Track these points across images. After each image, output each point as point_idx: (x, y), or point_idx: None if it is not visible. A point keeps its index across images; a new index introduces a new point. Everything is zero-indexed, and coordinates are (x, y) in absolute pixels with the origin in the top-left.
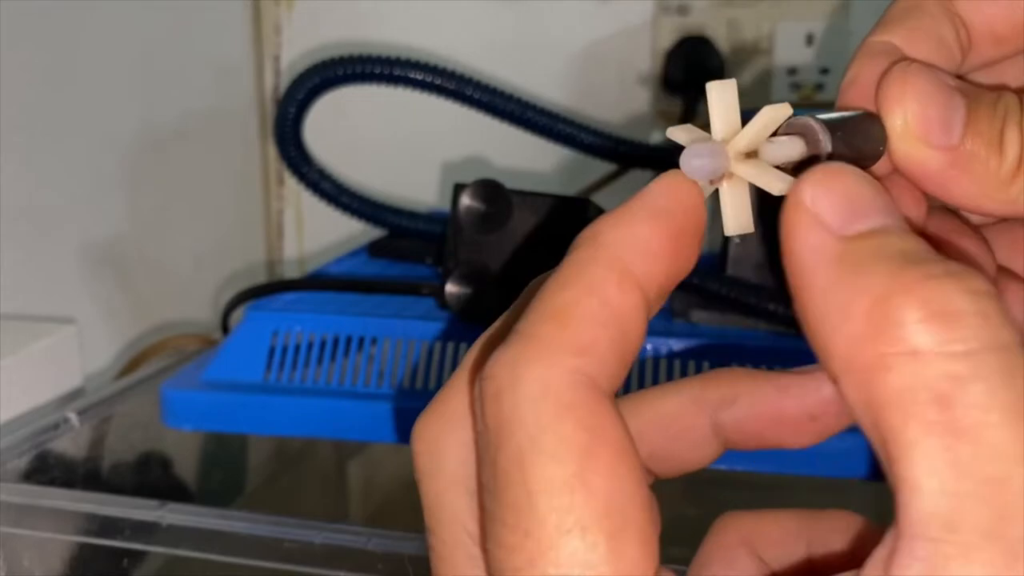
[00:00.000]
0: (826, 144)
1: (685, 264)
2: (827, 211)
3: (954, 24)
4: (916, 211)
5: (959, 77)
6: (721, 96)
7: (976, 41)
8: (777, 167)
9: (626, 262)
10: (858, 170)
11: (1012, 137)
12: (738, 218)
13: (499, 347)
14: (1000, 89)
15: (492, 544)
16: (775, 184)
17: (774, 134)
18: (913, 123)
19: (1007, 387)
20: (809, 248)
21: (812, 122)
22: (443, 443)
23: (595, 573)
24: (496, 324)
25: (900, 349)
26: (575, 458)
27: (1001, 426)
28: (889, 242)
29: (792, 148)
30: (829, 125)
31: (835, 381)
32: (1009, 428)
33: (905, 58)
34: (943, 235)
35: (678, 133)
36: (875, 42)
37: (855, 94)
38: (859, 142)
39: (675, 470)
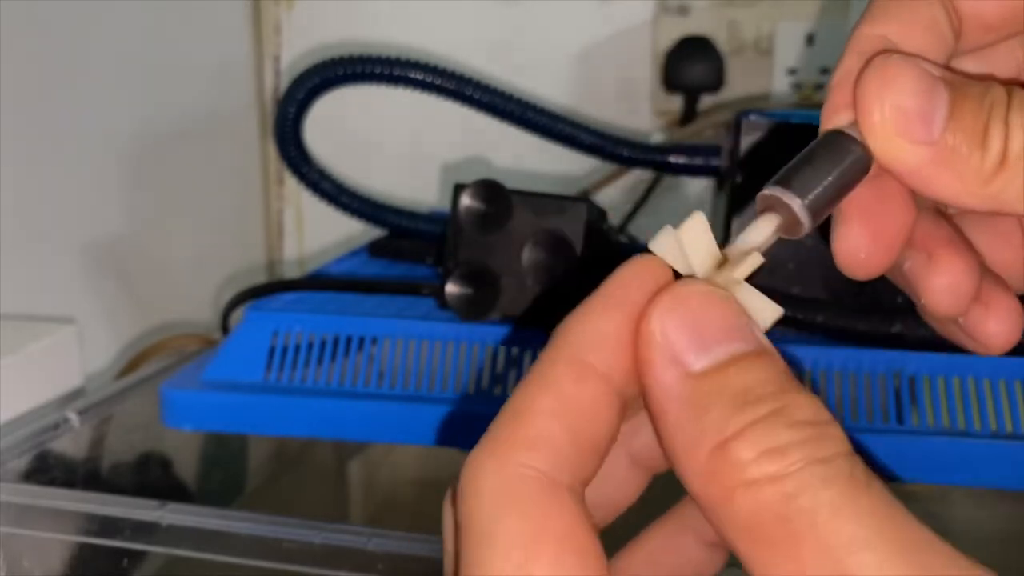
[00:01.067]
0: (799, 208)
1: None
2: (676, 342)
3: (945, 8)
4: (903, 217)
5: (947, 66)
6: (693, 236)
7: (965, 27)
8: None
9: (584, 356)
10: (706, 289)
11: (996, 131)
12: (763, 312)
13: (479, 443)
14: (988, 80)
15: None
16: (757, 316)
17: (742, 209)
18: (891, 118)
19: (829, 488)
20: (660, 388)
21: (777, 192)
22: (449, 514)
23: None
24: None
25: (739, 483)
26: (520, 551)
27: (828, 522)
28: (730, 380)
29: (764, 231)
30: (797, 177)
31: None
32: (834, 520)
33: (891, 50)
34: (930, 246)
35: (662, 255)
36: (867, 36)
37: (843, 96)
38: (840, 170)
39: (610, 514)
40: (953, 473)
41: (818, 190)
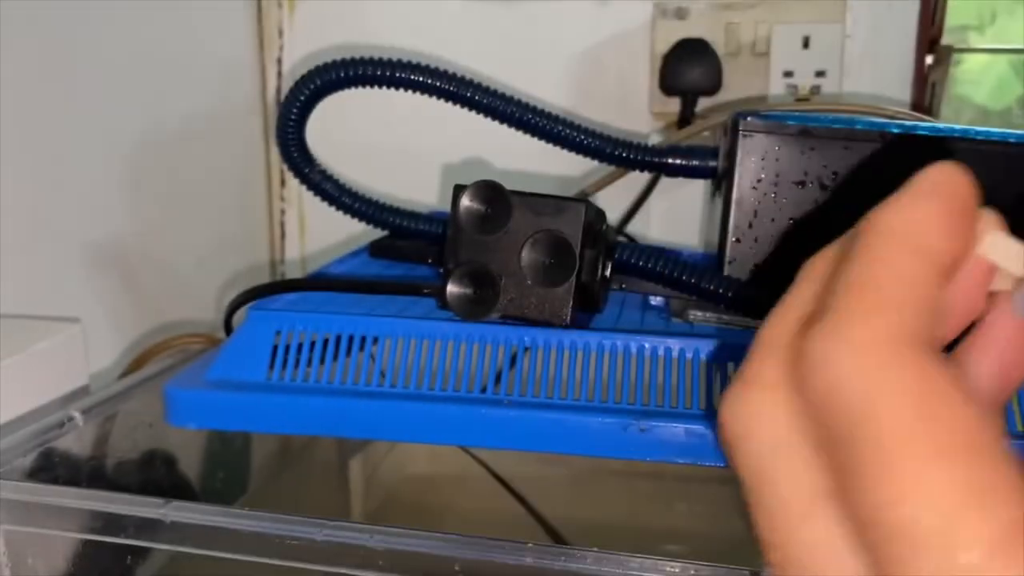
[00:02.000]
0: None
1: (963, 237)
2: None
3: None
4: None
5: None
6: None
7: None
8: None
9: (911, 238)
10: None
11: None
12: None
13: (815, 324)
14: None
15: (855, 489)
16: None
17: None
18: None
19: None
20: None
21: None
22: (762, 411)
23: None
24: (784, 302)
25: None
26: (912, 399)
27: None
28: None
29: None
30: None
31: None
32: None
33: None
34: None
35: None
36: None
37: None
38: None
39: (961, 323)
40: None
41: None
